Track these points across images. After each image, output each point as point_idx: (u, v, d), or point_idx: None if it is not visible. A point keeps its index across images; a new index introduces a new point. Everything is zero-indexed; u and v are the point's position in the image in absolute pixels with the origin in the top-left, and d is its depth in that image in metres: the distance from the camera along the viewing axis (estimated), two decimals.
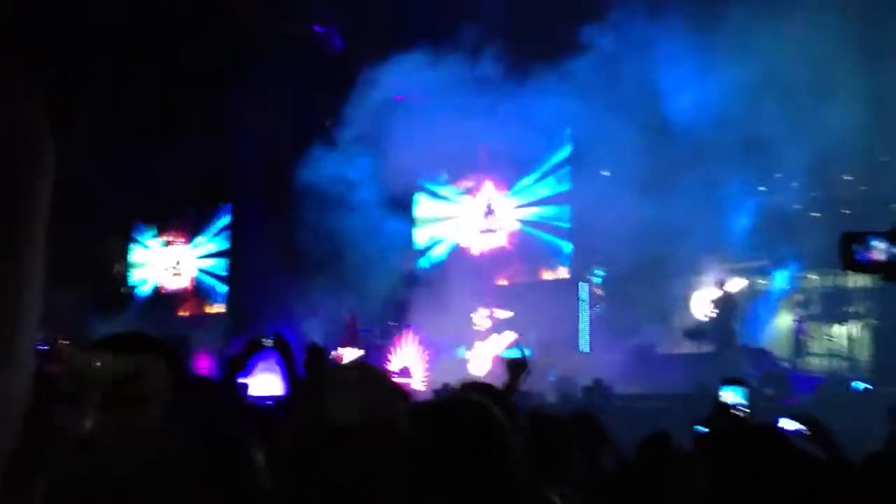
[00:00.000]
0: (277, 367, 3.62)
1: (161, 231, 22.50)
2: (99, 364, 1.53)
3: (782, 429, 2.97)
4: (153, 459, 1.53)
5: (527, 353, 4.13)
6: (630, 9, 13.48)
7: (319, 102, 16.27)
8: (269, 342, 3.50)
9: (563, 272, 16.07)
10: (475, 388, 3.53)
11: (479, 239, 17.45)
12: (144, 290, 22.21)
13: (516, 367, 3.77)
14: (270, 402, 3.99)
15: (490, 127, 14.96)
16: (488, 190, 17.43)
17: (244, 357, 3.53)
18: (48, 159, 0.50)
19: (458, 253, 17.67)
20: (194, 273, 21.85)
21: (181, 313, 21.41)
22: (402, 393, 1.71)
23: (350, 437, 1.61)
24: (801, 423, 4.19)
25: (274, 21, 15.85)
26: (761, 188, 14.31)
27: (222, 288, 21.20)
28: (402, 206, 17.83)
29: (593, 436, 3.47)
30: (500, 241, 17.12)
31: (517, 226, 16.95)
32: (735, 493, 2.37)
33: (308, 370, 2.94)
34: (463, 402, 1.99)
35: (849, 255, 3.75)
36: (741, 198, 13.79)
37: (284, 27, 16.38)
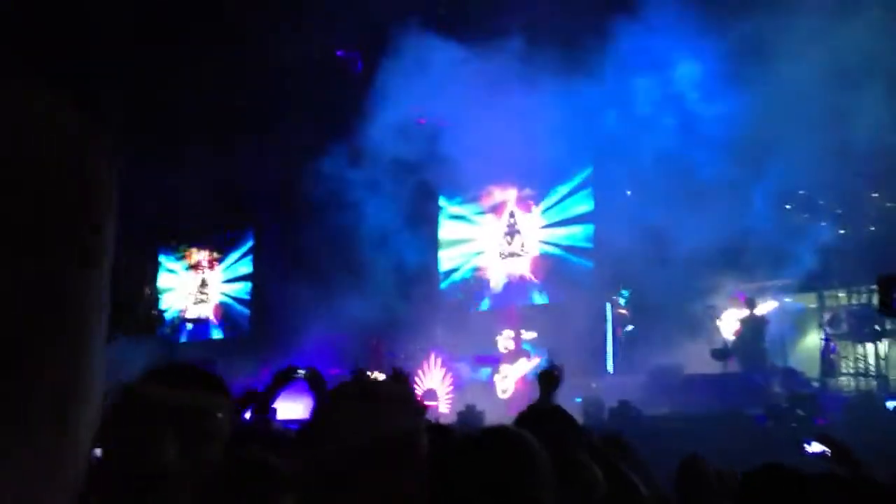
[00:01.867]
0: (304, 393, 3.65)
1: (185, 255, 22.70)
2: (173, 398, 1.52)
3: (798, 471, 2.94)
4: (215, 495, 1.54)
5: (557, 365, 3.92)
6: (649, 22, 13.47)
7: (342, 125, 16.39)
8: (300, 374, 3.53)
9: (587, 293, 16.01)
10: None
11: (502, 266, 17.42)
12: (171, 314, 22.39)
13: (549, 381, 3.62)
14: (294, 427, 4.02)
15: (512, 145, 14.96)
16: (511, 209, 17.43)
17: (275, 389, 3.56)
18: (114, 194, 0.51)
19: (480, 277, 17.67)
20: (219, 298, 22.00)
21: (208, 338, 21.56)
22: (416, 405, 1.69)
23: (360, 456, 1.59)
24: (821, 443, 4.15)
25: (295, 43, 16.00)
26: (787, 206, 14.20)
27: (245, 312, 21.34)
28: (426, 229, 17.90)
29: (623, 457, 3.40)
30: (523, 267, 17.08)
31: (539, 249, 16.91)
32: None
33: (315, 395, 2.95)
34: (504, 434, 1.99)
35: (888, 300, 3.72)
36: (767, 216, 13.69)
37: (305, 50, 16.54)
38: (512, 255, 17.34)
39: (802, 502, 2.70)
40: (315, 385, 3.56)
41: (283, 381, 3.58)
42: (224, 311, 21.82)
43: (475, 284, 17.72)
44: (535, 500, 1.79)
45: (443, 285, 18.04)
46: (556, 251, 16.66)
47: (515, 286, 17.09)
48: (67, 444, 0.45)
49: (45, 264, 0.46)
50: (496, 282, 17.42)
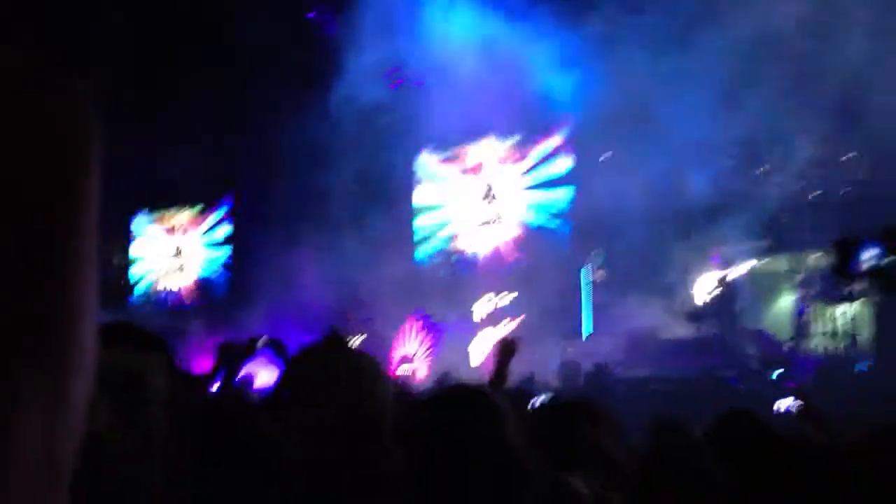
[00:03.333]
0: (270, 362, 3.65)
1: (160, 219, 22.43)
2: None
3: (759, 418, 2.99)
4: (159, 459, 1.52)
5: (513, 337, 3.79)
6: None
7: (318, 87, 16.20)
8: (261, 343, 3.52)
9: (564, 257, 16.05)
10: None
11: (478, 235, 17.34)
12: (145, 282, 22.20)
13: (505, 351, 3.55)
14: (262, 395, 4.05)
15: (489, 100, 14.84)
16: (489, 169, 17.31)
17: (240, 359, 3.54)
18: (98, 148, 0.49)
19: (455, 249, 17.63)
20: (197, 263, 21.80)
21: (183, 302, 21.41)
22: (382, 376, 1.67)
23: (325, 425, 1.58)
24: (795, 398, 4.23)
25: (269, 9, 15.77)
26: (762, 168, 14.27)
27: (223, 276, 21.18)
28: (403, 191, 17.82)
29: (592, 423, 3.40)
30: (500, 238, 17.02)
31: (519, 215, 16.85)
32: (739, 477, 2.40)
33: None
34: (464, 390, 1.98)
35: (843, 265, 3.74)
36: (742, 179, 13.75)
37: (278, 13, 16.30)
38: (489, 222, 17.24)
39: (769, 447, 2.74)
40: (278, 353, 3.56)
41: (246, 353, 3.56)
42: (201, 283, 21.59)
43: (451, 255, 17.66)
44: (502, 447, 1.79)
45: (418, 255, 17.97)
46: (536, 218, 16.61)
47: (491, 258, 17.05)
48: (62, 415, 0.44)
49: (27, 234, 0.44)
50: (472, 252, 17.36)
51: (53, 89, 0.47)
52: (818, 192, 14.05)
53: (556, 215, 16.28)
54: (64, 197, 0.45)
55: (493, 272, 16.67)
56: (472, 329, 15.66)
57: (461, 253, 17.49)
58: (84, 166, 0.47)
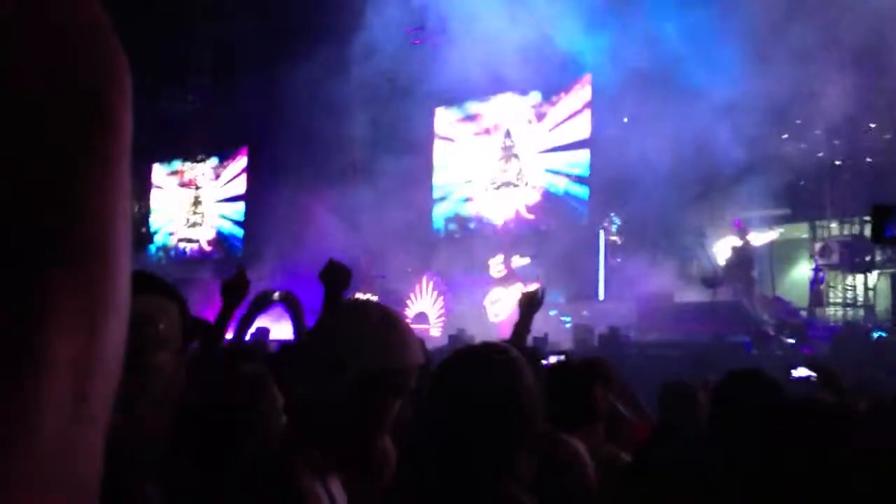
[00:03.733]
0: (284, 316, 3.64)
1: (178, 172, 22.49)
2: None
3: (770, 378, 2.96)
4: (170, 402, 1.52)
5: (540, 288, 3.73)
6: None
7: (336, 43, 16.07)
8: (277, 296, 3.52)
9: (580, 219, 15.97)
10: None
11: (494, 199, 17.24)
12: (163, 234, 22.34)
13: (530, 303, 3.53)
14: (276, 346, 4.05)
15: (509, 56, 14.66)
16: (508, 127, 17.16)
17: (253, 313, 3.54)
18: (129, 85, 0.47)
19: (471, 213, 17.57)
20: (213, 220, 21.89)
21: (198, 255, 21.55)
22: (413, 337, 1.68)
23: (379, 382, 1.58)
24: (811, 370, 4.20)
25: None
26: (784, 135, 14.09)
27: (239, 232, 21.27)
28: (420, 149, 17.72)
29: (606, 384, 3.39)
30: (518, 202, 16.91)
31: (537, 177, 16.71)
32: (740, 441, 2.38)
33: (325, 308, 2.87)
34: (487, 348, 1.97)
35: (879, 229, 3.66)
36: (765, 144, 13.58)
37: None
38: (507, 184, 17.12)
39: (777, 404, 2.73)
40: (291, 307, 3.56)
41: (261, 305, 3.56)
42: (218, 238, 21.70)
43: (466, 216, 17.61)
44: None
45: (434, 214, 17.93)
46: (555, 182, 16.44)
47: (507, 220, 16.98)
48: (97, 353, 0.42)
49: (63, 160, 0.42)
50: (488, 217, 17.28)
51: (87, 13, 0.45)
52: (841, 159, 13.88)
53: (574, 178, 16.15)
54: (101, 122, 0.44)
55: (508, 233, 16.64)
56: (486, 287, 15.67)
57: (477, 214, 17.44)
58: (121, 93, 0.45)
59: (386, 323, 1.62)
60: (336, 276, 2.87)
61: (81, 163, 0.42)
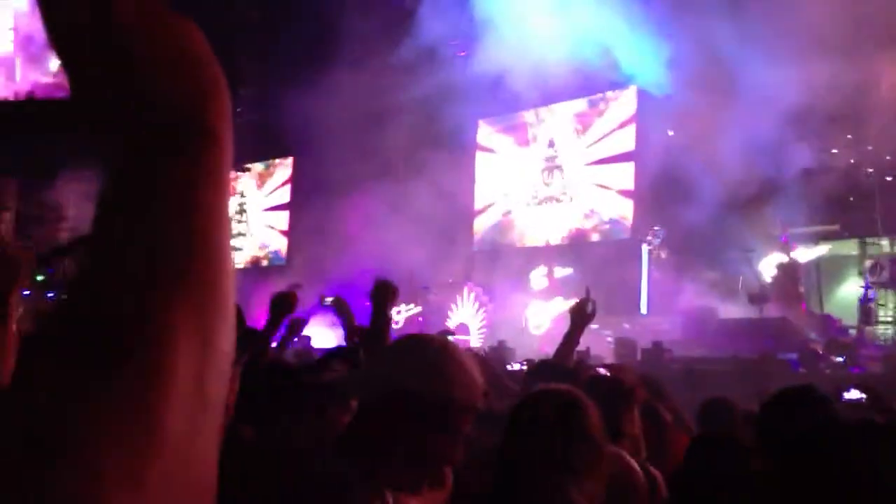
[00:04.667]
0: (333, 322, 3.68)
1: None
2: None
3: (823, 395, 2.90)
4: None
5: (591, 300, 3.71)
6: None
7: (381, 56, 16.19)
8: (328, 301, 3.55)
9: (623, 232, 15.84)
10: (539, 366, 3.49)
11: (535, 215, 17.17)
12: None
13: (581, 318, 3.52)
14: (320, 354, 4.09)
15: (556, 71, 14.64)
16: (551, 137, 17.11)
17: (303, 319, 3.58)
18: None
19: (513, 217, 17.54)
20: (258, 229, 22.14)
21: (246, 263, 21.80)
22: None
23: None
24: (861, 391, 4.11)
25: None
26: (833, 150, 13.85)
27: (282, 241, 21.49)
28: (464, 161, 17.74)
29: (658, 398, 3.36)
30: (561, 215, 16.84)
31: (581, 192, 16.60)
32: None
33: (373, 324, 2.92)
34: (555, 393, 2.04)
35: None
36: (812, 160, 13.36)
37: None
38: (549, 199, 17.03)
39: (827, 422, 2.66)
40: (341, 311, 3.58)
41: (310, 312, 3.61)
42: (261, 244, 21.92)
43: (508, 232, 17.59)
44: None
45: (476, 227, 17.94)
46: (600, 198, 16.28)
47: (549, 233, 16.92)
48: (212, 357, 0.49)
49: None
50: (531, 231, 17.21)
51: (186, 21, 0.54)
52: (892, 175, 13.60)
53: (619, 192, 16.03)
54: (205, 138, 0.51)
55: (550, 245, 16.57)
56: (526, 299, 15.60)
57: (519, 228, 17.39)
58: (222, 114, 0.53)
59: (444, 354, 1.64)
60: (384, 295, 2.93)
61: (194, 175, 0.50)
